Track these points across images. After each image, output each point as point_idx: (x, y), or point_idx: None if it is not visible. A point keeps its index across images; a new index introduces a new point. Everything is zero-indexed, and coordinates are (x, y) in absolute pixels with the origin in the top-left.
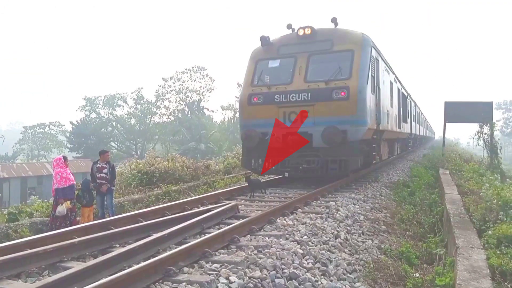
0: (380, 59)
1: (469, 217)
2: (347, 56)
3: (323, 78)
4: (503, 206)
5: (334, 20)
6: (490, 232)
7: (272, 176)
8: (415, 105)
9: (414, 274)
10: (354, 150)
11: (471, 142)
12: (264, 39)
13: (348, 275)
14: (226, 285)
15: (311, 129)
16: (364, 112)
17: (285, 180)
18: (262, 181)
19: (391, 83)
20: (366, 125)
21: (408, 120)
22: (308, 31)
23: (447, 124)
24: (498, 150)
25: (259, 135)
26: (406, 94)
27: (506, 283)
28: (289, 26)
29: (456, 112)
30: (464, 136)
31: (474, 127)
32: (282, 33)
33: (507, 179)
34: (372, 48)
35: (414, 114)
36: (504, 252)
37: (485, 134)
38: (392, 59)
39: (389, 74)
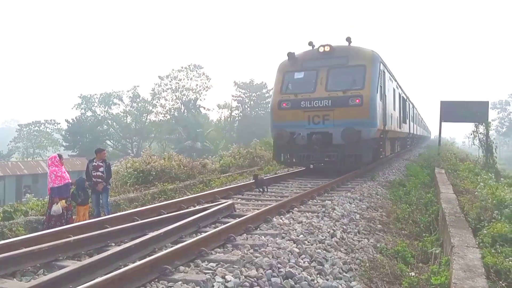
0: (386, 71)
1: (464, 216)
2: (360, 70)
3: (341, 88)
4: (498, 205)
5: (348, 39)
6: (485, 231)
7: (296, 168)
8: (413, 106)
9: (410, 273)
10: (367, 146)
11: (466, 141)
12: (290, 55)
13: (344, 274)
14: (222, 284)
15: (331, 129)
16: (374, 116)
17: (304, 173)
18: (265, 178)
19: (394, 89)
20: (376, 127)
21: (407, 121)
22: (327, 49)
23: (443, 123)
24: (493, 150)
25: (288, 134)
26: (405, 97)
27: (500, 282)
28: (310, 43)
29: (452, 111)
30: (460, 135)
31: (469, 126)
32: (277, 33)
33: (502, 178)
34: (380, 63)
35: (412, 115)
36: (499, 251)
37: (480, 133)
38: (388, 58)
39: (392, 82)
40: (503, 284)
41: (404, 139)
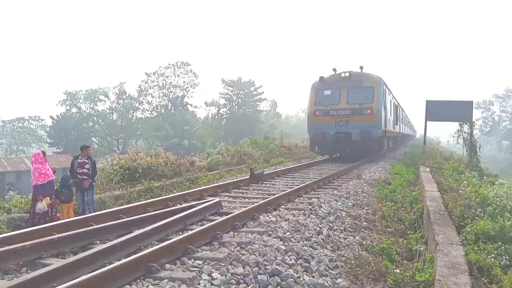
0: (386, 88)
1: (448, 214)
2: (371, 90)
3: (358, 102)
4: (481, 203)
5: (361, 68)
6: (468, 228)
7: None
8: (402, 110)
9: (395, 270)
10: (375, 142)
11: (451, 140)
12: (321, 78)
13: (330, 271)
14: (208, 281)
15: (351, 130)
16: (380, 121)
17: (328, 161)
18: (263, 173)
19: (390, 100)
20: (381, 128)
21: (398, 122)
22: (347, 74)
23: (428, 122)
24: (477, 149)
25: (321, 134)
26: (397, 104)
27: (483, 279)
28: (334, 70)
29: (437, 111)
30: (445, 134)
31: (454, 125)
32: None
33: (485, 177)
34: (383, 85)
35: (401, 118)
36: (482, 248)
37: (464, 132)
38: (379, 57)
39: (389, 95)
40: (485, 281)
41: (396, 137)
